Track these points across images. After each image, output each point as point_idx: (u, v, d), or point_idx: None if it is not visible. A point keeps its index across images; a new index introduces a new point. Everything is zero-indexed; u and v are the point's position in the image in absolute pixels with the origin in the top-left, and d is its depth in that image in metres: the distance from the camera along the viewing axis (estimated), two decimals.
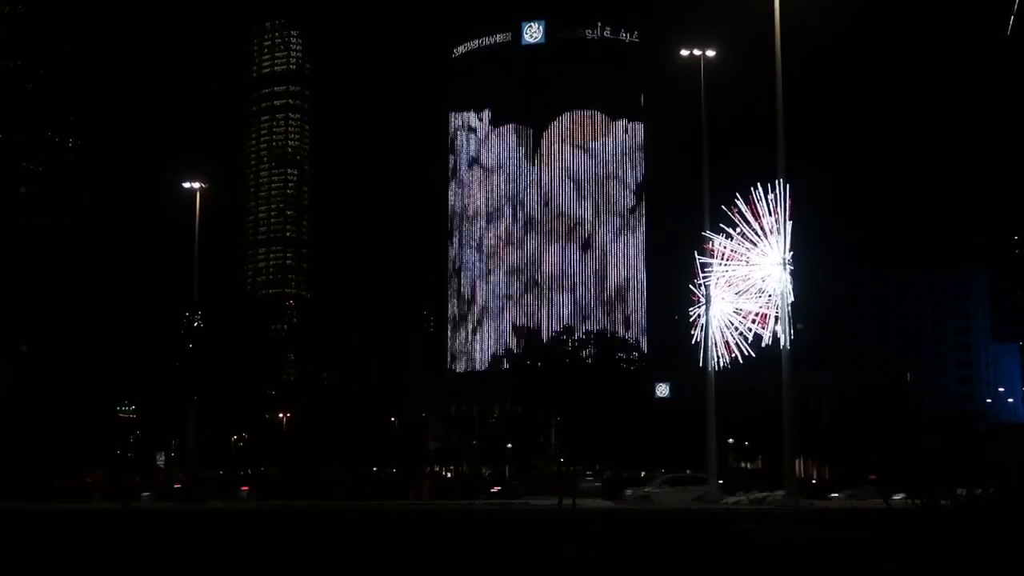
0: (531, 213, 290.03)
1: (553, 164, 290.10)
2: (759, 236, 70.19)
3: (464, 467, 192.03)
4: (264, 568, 28.42)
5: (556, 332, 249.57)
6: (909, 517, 16.16)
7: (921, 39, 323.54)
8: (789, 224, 68.16)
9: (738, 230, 71.37)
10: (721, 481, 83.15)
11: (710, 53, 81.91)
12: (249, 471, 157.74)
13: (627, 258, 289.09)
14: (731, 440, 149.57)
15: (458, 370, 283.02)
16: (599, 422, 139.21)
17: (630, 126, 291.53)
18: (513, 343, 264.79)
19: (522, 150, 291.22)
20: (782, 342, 66.98)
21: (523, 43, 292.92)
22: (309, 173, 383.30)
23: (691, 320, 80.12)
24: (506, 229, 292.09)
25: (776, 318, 68.97)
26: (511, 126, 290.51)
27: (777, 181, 67.63)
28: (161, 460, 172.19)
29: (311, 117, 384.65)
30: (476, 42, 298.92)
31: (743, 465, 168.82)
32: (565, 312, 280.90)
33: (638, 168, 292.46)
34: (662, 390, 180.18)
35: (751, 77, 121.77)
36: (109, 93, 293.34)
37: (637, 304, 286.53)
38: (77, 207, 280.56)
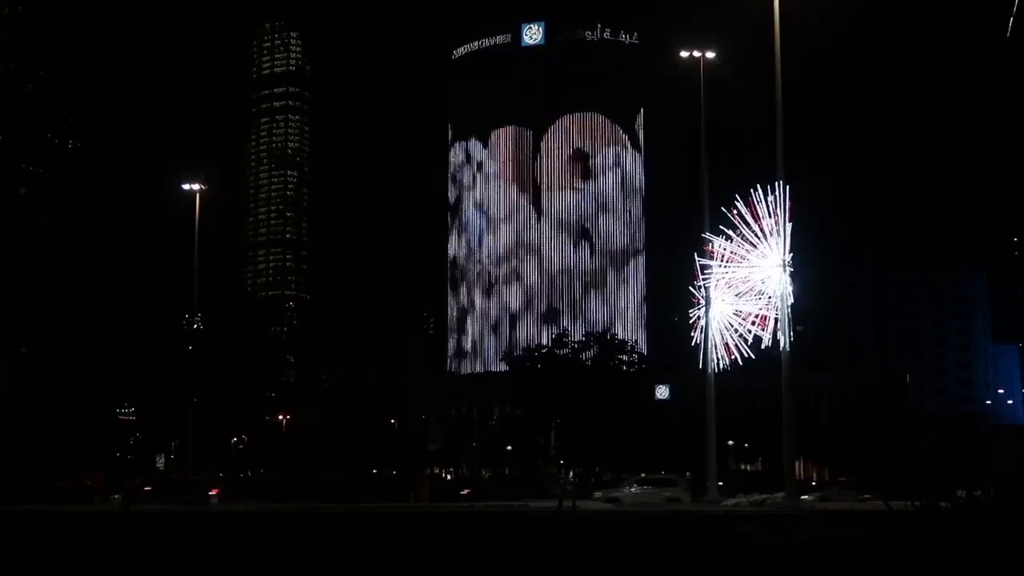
0: (531, 213, 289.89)
1: (553, 165, 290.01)
2: (759, 238, 70.28)
3: (464, 469, 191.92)
4: None
5: (556, 334, 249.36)
6: (909, 519, 16.16)
7: (921, 40, 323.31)
8: (789, 226, 68.24)
9: (738, 232, 71.50)
10: (721, 483, 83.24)
11: (710, 54, 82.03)
12: (248, 473, 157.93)
13: (627, 259, 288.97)
14: (731, 442, 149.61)
15: (457, 372, 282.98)
16: (599, 424, 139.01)
17: (630, 127, 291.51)
18: (513, 345, 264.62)
19: (522, 152, 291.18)
20: (782, 344, 67.02)
21: (523, 45, 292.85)
22: (309, 175, 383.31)
23: (691, 322, 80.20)
24: (505, 230, 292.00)
25: (776, 320, 69.03)
26: (511, 127, 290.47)
27: (777, 183, 67.69)
28: (161, 462, 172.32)
29: (311, 118, 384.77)
30: (476, 44, 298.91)
31: (743, 467, 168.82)
32: (565, 313, 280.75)
33: (638, 170, 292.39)
34: (662, 392, 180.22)
35: (751, 78, 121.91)
36: (109, 94, 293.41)
37: (637, 306, 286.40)
38: (77, 208, 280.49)
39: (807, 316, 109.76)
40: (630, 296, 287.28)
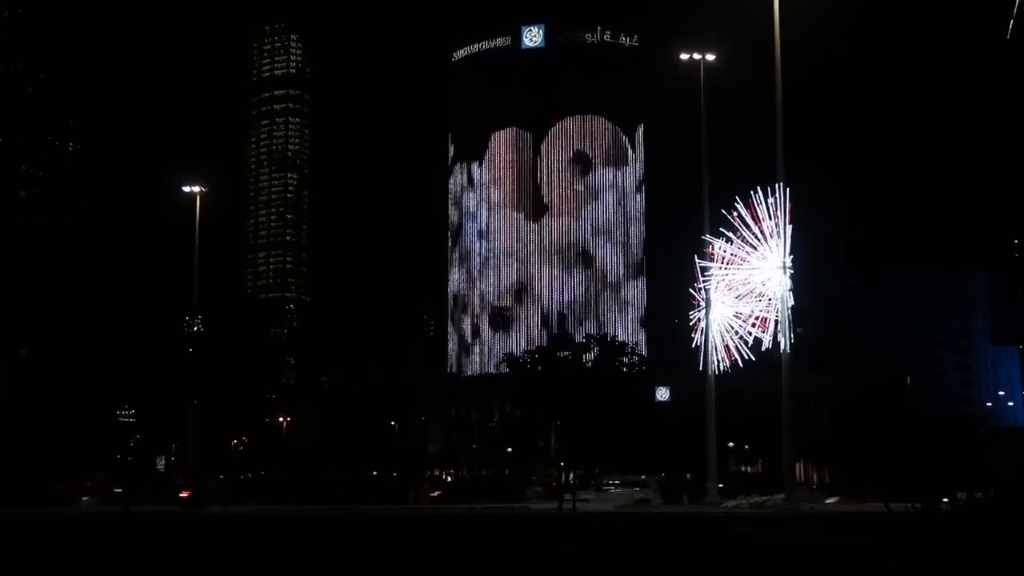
0: (531, 214, 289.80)
1: (553, 167, 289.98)
2: (759, 240, 70.27)
3: (464, 471, 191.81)
4: None
5: (556, 335, 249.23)
6: (909, 521, 16.18)
7: (921, 41, 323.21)
8: (789, 228, 68.20)
9: (738, 234, 71.49)
10: (721, 485, 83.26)
11: (710, 57, 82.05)
12: (249, 475, 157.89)
13: (627, 260, 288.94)
14: (731, 444, 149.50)
15: (457, 373, 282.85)
16: (599, 426, 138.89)
17: (630, 129, 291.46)
18: (513, 346, 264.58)
19: (523, 154, 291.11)
20: (782, 346, 67.00)
21: (523, 47, 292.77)
22: (309, 177, 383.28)
23: (691, 324, 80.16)
24: (505, 231, 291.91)
25: (776, 322, 69.01)
26: (511, 129, 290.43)
27: (777, 185, 67.66)
28: (161, 464, 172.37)
29: (311, 121, 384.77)
30: (476, 46, 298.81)
31: (743, 468, 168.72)
32: (565, 314, 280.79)
33: (638, 171, 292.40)
34: (662, 394, 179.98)
35: (751, 80, 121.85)
36: (109, 97, 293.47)
37: (637, 307, 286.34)
38: (77, 210, 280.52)
39: (807, 317, 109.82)
40: (630, 297, 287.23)
